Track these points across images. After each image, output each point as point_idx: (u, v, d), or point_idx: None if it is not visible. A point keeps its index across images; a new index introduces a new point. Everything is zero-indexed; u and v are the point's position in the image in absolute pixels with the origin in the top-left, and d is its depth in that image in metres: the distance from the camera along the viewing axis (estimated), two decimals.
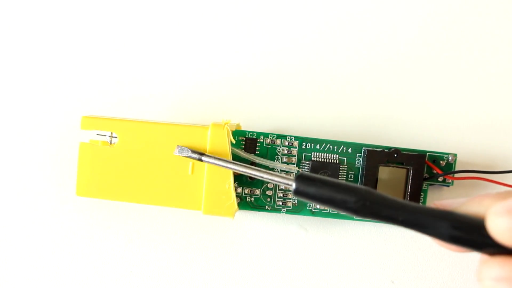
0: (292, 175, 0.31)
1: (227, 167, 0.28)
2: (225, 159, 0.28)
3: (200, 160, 0.28)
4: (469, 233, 0.21)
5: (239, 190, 0.31)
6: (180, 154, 0.28)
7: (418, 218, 0.21)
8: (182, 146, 0.28)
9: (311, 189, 0.23)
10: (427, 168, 0.31)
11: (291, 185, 0.23)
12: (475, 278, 0.21)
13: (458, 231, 0.21)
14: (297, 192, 0.23)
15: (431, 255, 0.33)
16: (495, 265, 0.20)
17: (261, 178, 0.26)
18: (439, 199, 0.33)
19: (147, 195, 0.30)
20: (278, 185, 0.31)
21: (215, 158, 0.28)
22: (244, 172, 0.27)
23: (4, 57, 0.34)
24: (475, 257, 0.33)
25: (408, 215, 0.21)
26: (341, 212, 0.23)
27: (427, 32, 0.34)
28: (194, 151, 0.28)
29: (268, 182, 0.31)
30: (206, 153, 0.28)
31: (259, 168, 0.27)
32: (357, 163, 0.31)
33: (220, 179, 0.29)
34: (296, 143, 0.31)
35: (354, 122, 0.33)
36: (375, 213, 0.22)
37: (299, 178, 0.23)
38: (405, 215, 0.21)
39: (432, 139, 0.33)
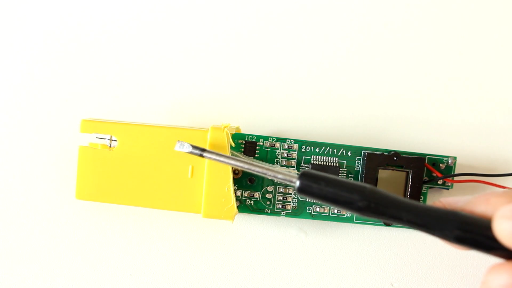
0: (293, 172, 0.30)
1: (229, 163, 0.26)
2: (227, 155, 0.27)
3: (202, 156, 0.27)
4: (475, 235, 0.20)
5: (239, 193, 0.31)
6: (180, 150, 0.27)
7: (423, 219, 0.21)
8: (183, 142, 0.27)
9: (315, 188, 0.22)
10: (427, 171, 0.31)
11: (294, 182, 0.22)
12: (479, 282, 0.20)
13: (464, 233, 0.20)
14: (300, 190, 0.22)
15: (430, 257, 0.33)
16: (503, 273, 0.20)
17: (263, 175, 0.25)
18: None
19: (147, 198, 0.30)
20: (278, 188, 0.31)
21: (217, 154, 0.27)
22: (246, 168, 0.26)
23: (4, 60, 0.34)
24: (474, 260, 0.33)
25: (413, 215, 0.21)
26: (345, 211, 0.22)
27: (426, 36, 0.34)
28: (195, 147, 0.27)
29: (269, 184, 0.31)
30: (208, 149, 0.27)
31: (262, 165, 0.26)
32: (357, 166, 0.31)
33: (220, 182, 0.29)
34: (295, 146, 0.31)
35: (353, 125, 0.33)
36: (380, 212, 0.21)
37: (303, 175, 0.22)
38: (410, 215, 0.21)
39: (431, 142, 0.33)
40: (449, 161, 0.31)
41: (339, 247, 0.33)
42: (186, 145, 0.27)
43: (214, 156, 0.27)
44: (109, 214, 0.33)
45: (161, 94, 0.33)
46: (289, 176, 0.24)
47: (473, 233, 0.20)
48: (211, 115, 0.33)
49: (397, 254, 0.33)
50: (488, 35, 0.34)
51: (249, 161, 0.26)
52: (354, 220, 0.31)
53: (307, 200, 0.31)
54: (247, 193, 0.31)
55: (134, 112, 0.33)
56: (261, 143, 0.31)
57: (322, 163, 0.31)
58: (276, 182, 0.31)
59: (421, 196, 0.31)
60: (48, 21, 0.34)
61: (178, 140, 0.27)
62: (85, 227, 0.33)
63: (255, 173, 0.26)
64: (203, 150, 0.27)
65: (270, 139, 0.31)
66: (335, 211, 0.31)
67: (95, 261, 0.33)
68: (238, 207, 0.30)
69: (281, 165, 0.31)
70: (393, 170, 0.31)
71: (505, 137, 0.33)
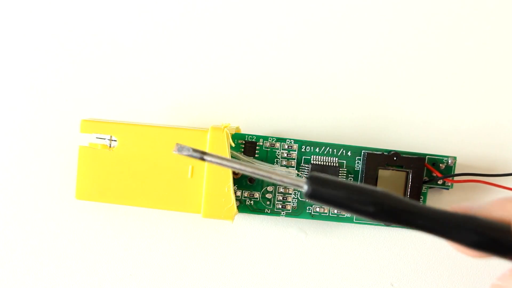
0: (293, 172, 0.30)
1: (231, 167, 0.24)
2: (229, 158, 0.26)
3: (202, 159, 0.24)
4: (493, 240, 0.20)
5: (239, 193, 0.31)
6: (179, 153, 0.25)
7: (439, 223, 0.20)
8: (182, 144, 0.25)
9: (324, 192, 0.20)
10: (427, 171, 0.31)
11: (302, 187, 0.21)
12: (479, 282, 0.20)
13: (482, 237, 0.20)
14: (308, 195, 0.21)
15: (430, 257, 0.33)
16: None
17: (268, 180, 0.23)
18: (439, 202, 0.33)
19: (147, 198, 0.30)
20: (278, 188, 0.31)
21: (218, 157, 0.24)
22: (249, 172, 0.24)
23: (4, 60, 0.34)
24: (474, 259, 0.33)
25: (428, 220, 0.20)
26: (357, 216, 0.21)
27: (426, 35, 0.34)
28: (195, 150, 0.24)
29: (269, 184, 0.31)
30: (209, 152, 0.25)
31: (267, 169, 0.25)
32: (357, 166, 0.31)
33: (220, 182, 0.29)
34: (295, 146, 0.31)
35: (353, 125, 0.33)
36: (393, 217, 0.20)
37: (311, 179, 0.21)
38: (425, 220, 0.20)
39: (431, 142, 0.33)
40: (449, 161, 0.31)
41: (339, 247, 0.33)
42: (186, 148, 0.25)
43: (215, 160, 0.24)
44: (109, 214, 0.33)
45: (161, 94, 0.33)
46: (296, 181, 0.22)
47: (491, 237, 0.20)
48: (211, 115, 0.33)
49: (397, 254, 0.33)
50: (487, 35, 0.34)
51: (251, 165, 0.25)
52: (354, 220, 0.31)
53: (307, 201, 0.31)
54: (247, 193, 0.31)
55: (134, 112, 0.33)
56: (261, 143, 0.31)
57: (322, 163, 0.31)
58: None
59: (421, 196, 0.31)
60: (48, 21, 0.34)
61: (177, 143, 0.25)
62: (85, 227, 0.33)
63: (259, 177, 0.24)
64: (204, 153, 0.24)
65: (270, 139, 0.31)
66: (335, 211, 0.31)
67: (95, 261, 0.33)
68: (238, 207, 0.30)
69: (281, 165, 0.31)
70: (393, 170, 0.31)
71: (505, 137, 0.33)
